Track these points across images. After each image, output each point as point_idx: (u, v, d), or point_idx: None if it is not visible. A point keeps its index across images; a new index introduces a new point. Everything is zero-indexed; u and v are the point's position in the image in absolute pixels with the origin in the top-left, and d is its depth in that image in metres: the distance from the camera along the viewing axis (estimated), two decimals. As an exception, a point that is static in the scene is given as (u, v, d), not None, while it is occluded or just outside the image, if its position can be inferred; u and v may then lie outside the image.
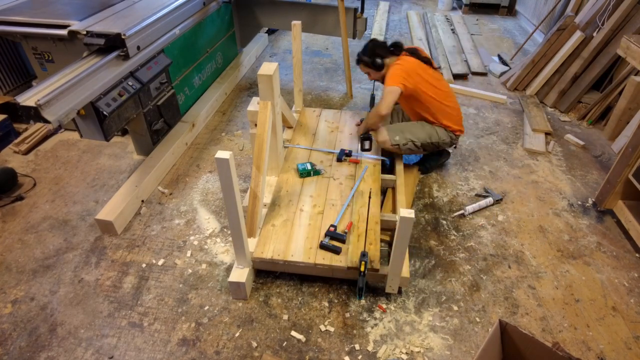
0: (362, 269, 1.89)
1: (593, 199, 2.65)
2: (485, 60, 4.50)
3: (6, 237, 2.39)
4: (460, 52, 4.58)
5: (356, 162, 2.60)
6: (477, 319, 1.98)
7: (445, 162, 2.95)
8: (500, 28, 5.47)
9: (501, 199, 2.64)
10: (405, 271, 1.96)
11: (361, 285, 1.91)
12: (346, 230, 2.12)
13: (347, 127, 2.96)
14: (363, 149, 2.68)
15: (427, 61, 2.60)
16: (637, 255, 2.31)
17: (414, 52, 2.61)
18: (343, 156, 2.62)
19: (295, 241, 2.08)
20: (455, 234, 2.43)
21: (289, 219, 2.21)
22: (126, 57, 2.42)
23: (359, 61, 2.66)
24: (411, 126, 2.64)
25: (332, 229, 2.11)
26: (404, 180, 2.54)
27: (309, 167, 2.50)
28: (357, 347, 1.85)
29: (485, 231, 2.45)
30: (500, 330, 1.53)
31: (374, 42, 2.65)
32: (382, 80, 2.63)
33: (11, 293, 2.09)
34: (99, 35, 2.38)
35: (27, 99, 1.91)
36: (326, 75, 4.23)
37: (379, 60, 2.57)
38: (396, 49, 2.62)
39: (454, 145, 2.76)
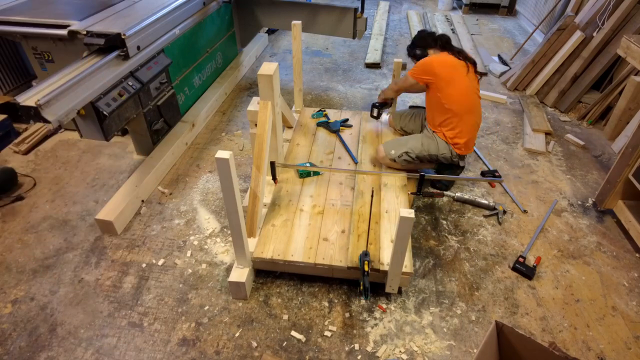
0: (366, 268, 1.89)
1: (593, 199, 2.65)
2: (485, 60, 4.50)
3: (6, 237, 2.39)
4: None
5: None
6: (477, 319, 1.98)
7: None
8: (500, 28, 5.47)
9: (505, 212, 2.58)
10: (409, 266, 1.94)
11: (367, 285, 1.90)
12: (535, 264, 2.22)
13: (346, 127, 2.96)
14: (372, 116, 2.88)
15: (472, 64, 2.47)
16: (637, 255, 2.31)
17: (460, 52, 2.49)
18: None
19: (295, 241, 2.08)
20: (455, 233, 2.43)
21: (289, 219, 2.21)
22: (126, 57, 2.41)
23: (408, 52, 2.67)
24: (408, 138, 2.58)
25: (521, 259, 2.23)
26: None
27: (308, 167, 2.50)
28: (357, 347, 1.85)
29: (485, 231, 2.45)
30: (497, 332, 1.53)
31: (420, 32, 2.64)
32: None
33: (11, 293, 2.09)
34: (99, 35, 2.38)
35: (27, 99, 1.90)
36: (326, 75, 4.23)
37: (418, 51, 2.56)
38: (443, 43, 2.53)
39: (461, 165, 2.60)
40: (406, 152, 2.49)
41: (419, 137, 2.55)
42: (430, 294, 2.09)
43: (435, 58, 2.43)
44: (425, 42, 2.57)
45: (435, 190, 2.68)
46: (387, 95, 2.79)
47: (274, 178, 2.37)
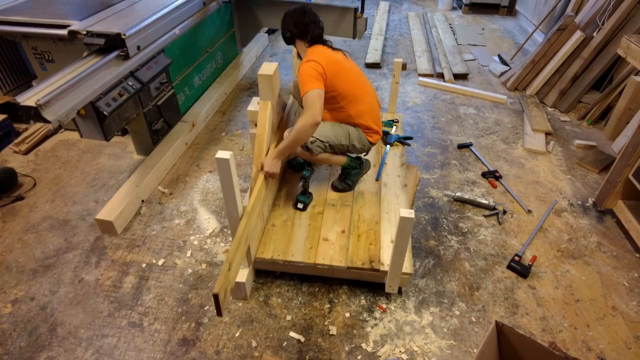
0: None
1: (593, 199, 2.65)
2: (486, 60, 4.50)
3: (6, 237, 2.39)
4: (460, 52, 4.58)
5: None
6: (477, 319, 1.98)
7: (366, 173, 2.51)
8: (500, 28, 5.47)
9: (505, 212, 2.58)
10: (409, 266, 1.94)
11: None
12: (530, 263, 2.22)
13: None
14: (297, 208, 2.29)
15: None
16: (637, 255, 2.31)
17: (325, 42, 2.22)
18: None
19: (295, 241, 2.09)
20: (455, 233, 2.43)
21: (289, 219, 2.21)
22: (126, 57, 2.41)
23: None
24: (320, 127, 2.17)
25: (517, 258, 2.23)
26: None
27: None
28: (357, 347, 1.85)
29: (485, 231, 2.45)
30: (497, 332, 1.53)
31: (302, 8, 2.17)
32: (299, 56, 2.28)
33: (11, 293, 2.09)
34: (99, 35, 2.38)
35: (27, 99, 1.90)
36: (326, 75, 4.22)
37: (287, 34, 2.21)
38: (314, 31, 2.16)
39: (366, 153, 2.39)
40: (318, 139, 2.17)
41: (327, 125, 2.23)
42: (430, 294, 2.09)
43: (320, 52, 2.12)
44: (298, 27, 2.17)
45: None
46: (307, 136, 2.07)
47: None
